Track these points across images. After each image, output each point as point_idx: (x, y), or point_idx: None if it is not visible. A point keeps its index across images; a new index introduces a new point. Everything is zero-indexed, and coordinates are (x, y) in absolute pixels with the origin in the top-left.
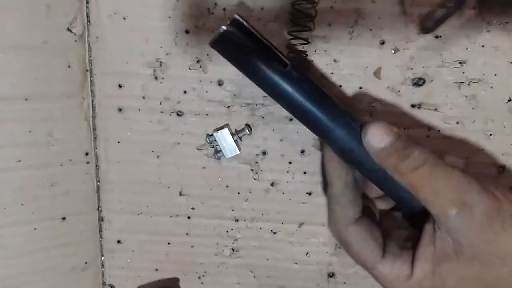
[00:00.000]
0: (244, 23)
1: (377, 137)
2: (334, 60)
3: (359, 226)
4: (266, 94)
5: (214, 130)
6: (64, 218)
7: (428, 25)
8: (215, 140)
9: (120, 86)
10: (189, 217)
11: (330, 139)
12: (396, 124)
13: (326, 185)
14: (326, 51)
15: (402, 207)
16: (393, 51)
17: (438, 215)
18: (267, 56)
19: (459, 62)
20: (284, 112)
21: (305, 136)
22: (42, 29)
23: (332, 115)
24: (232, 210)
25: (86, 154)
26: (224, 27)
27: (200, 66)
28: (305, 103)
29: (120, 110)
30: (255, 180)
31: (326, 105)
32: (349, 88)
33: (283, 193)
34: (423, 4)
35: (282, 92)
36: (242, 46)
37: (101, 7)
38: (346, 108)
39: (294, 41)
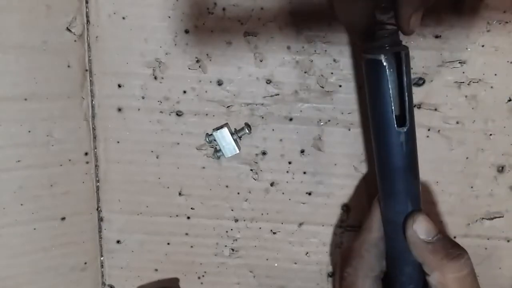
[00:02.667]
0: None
1: (426, 230)
2: (334, 60)
3: (376, 284)
4: (266, 94)
5: (213, 129)
6: (63, 218)
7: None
8: (215, 140)
9: (119, 86)
10: (188, 217)
11: (393, 201)
12: None
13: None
14: (326, 51)
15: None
16: None
17: None
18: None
19: (459, 62)
20: (284, 112)
21: (305, 136)
22: (42, 29)
23: (408, 187)
24: (232, 210)
25: (86, 154)
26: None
27: (200, 66)
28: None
29: (119, 110)
30: (255, 180)
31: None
32: (349, 87)
33: (283, 193)
34: None
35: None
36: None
37: (100, 7)
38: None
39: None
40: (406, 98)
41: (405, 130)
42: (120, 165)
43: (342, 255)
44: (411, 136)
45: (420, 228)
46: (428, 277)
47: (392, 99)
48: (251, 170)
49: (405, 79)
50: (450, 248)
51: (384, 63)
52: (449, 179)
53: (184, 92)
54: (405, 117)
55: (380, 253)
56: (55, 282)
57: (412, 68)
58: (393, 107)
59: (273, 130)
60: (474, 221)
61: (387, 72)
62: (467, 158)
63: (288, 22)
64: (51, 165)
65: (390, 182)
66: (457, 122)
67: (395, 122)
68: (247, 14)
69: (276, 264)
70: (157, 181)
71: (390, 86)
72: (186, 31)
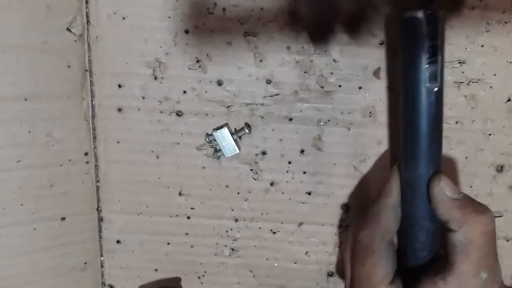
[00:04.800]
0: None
1: (451, 188)
2: (334, 60)
3: (392, 247)
4: (266, 94)
5: (213, 129)
6: (63, 218)
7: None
8: (215, 140)
9: (119, 86)
10: (188, 217)
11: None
12: (396, 124)
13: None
14: (326, 51)
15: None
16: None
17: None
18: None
19: (459, 62)
20: (284, 112)
21: (305, 136)
22: (42, 29)
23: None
24: (232, 210)
25: (86, 154)
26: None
27: (200, 66)
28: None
29: (119, 110)
30: (255, 180)
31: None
32: (348, 88)
33: (283, 193)
34: None
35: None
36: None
37: (100, 7)
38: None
39: None
40: (439, 58)
41: (436, 89)
42: (120, 165)
43: (355, 223)
44: (440, 98)
45: (446, 186)
46: (454, 234)
47: (426, 57)
48: (251, 170)
49: (439, 38)
50: (476, 204)
51: (422, 20)
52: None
53: (184, 92)
54: (437, 76)
55: (397, 217)
56: (55, 282)
57: None
58: (427, 65)
59: (273, 130)
60: None
61: (424, 29)
62: (466, 157)
63: (288, 22)
64: (51, 165)
65: (415, 143)
66: (457, 122)
67: (428, 80)
68: (247, 14)
69: (276, 264)
70: (157, 181)
71: (425, 44)
72: (186, 31)
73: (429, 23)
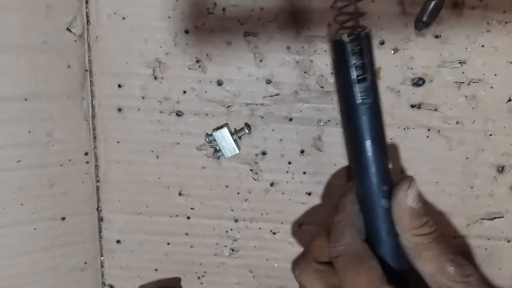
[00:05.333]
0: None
1: (414, 197)
2: (334, 60)
3: (361, 233)
4: (266, 94)
5: (213, 129)
6: (63, 218)
7: (421, 19)
8: (215, 140)
9: (119, 86)
10: (188, 217)
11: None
12: (396, 124)
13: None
14: (326, 51)
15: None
16: (392, 51)
17: (434, 270)
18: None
19: (459, 62)
20: (284, 112)
21: (305, 136)
22: (42, 29)
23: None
24: (232, 210)
25: (86, 154)
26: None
27: (200, 66)
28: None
29: (119, 110)
30: (255, 180)
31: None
32: None
33: (283, 193)
34: (422, 4)
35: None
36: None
37: (100, 7)
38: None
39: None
40: (369, 76)
41: (368, 104)
42: (120, 165)
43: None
44: (375, 112)
45: (410, 195)
46: (400, 238)
47: (356, 74)
48: (251, 170)
49: (366, 56)
50: (424, 214)
51: (346, 42)
52: (449, 179)
53: (184, 92)
54: (369, 92)
55: (361, 231)
56: (55, 282)
57: (412, 68)
58: (357, 83)
59: (273, 130)
60: (474, 222)
61: (349, 50)
62: (467, 158)
63: (288, 22)
64: (51, 165)
65: (357, 157)
66: (457, 122)
67: (360, 96)
68: (247, 14)
69: (276, 264)
70: (157, 181)
71: (352, 63)
72: (186, 31)
73: (353, 44)
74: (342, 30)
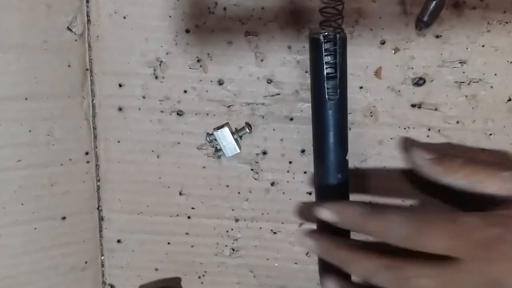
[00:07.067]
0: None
1: (425, 153)
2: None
3: None
4: (266, 94)
5: (214, 129)
6: (64, 218)
7: (422, 19)
8: (215, 139)
9: (120, 85)
10: (189, 217)
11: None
12: (396, 124)
13: None
14: None
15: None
16: (393, 51)
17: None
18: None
19: (459, 62)
20: (285, 112)
21: (306, 135)
22: (42, 28)
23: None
24: (232, 210)
25: (86, 153)
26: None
27: (201, 66)
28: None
29: (120, 109)
30: (255, 179)
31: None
32: (349, 87)
33: (283, 193)
34: (423, 4)
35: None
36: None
37: (101, 6)
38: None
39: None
40: (339, 74)
41: (334, 101)
42: (121, 165)
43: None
44: (341, 108)
45: (422, 153)
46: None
47: (326, 72)
48: (252, 169)
49: (338, 57)
50: (446, 157)
51: (322, 41)
52: None
53: (185, 91)
54: (337, 90)
55: None
56: (55, 281)
57: (412, 68)
58: (326, 80)
59: (273, 129)
60: None
61: (323, 49)
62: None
63: (289, 22)
64: (51, 165)
65: (318, 148)
66: (457, 122)
67: (327, 92)
68: (248, 13)
69: (276, 264)
70: (157, 181)
71: (324, 61)
72: (187, 31)
73: (328, 43)
74: (322, 29)
